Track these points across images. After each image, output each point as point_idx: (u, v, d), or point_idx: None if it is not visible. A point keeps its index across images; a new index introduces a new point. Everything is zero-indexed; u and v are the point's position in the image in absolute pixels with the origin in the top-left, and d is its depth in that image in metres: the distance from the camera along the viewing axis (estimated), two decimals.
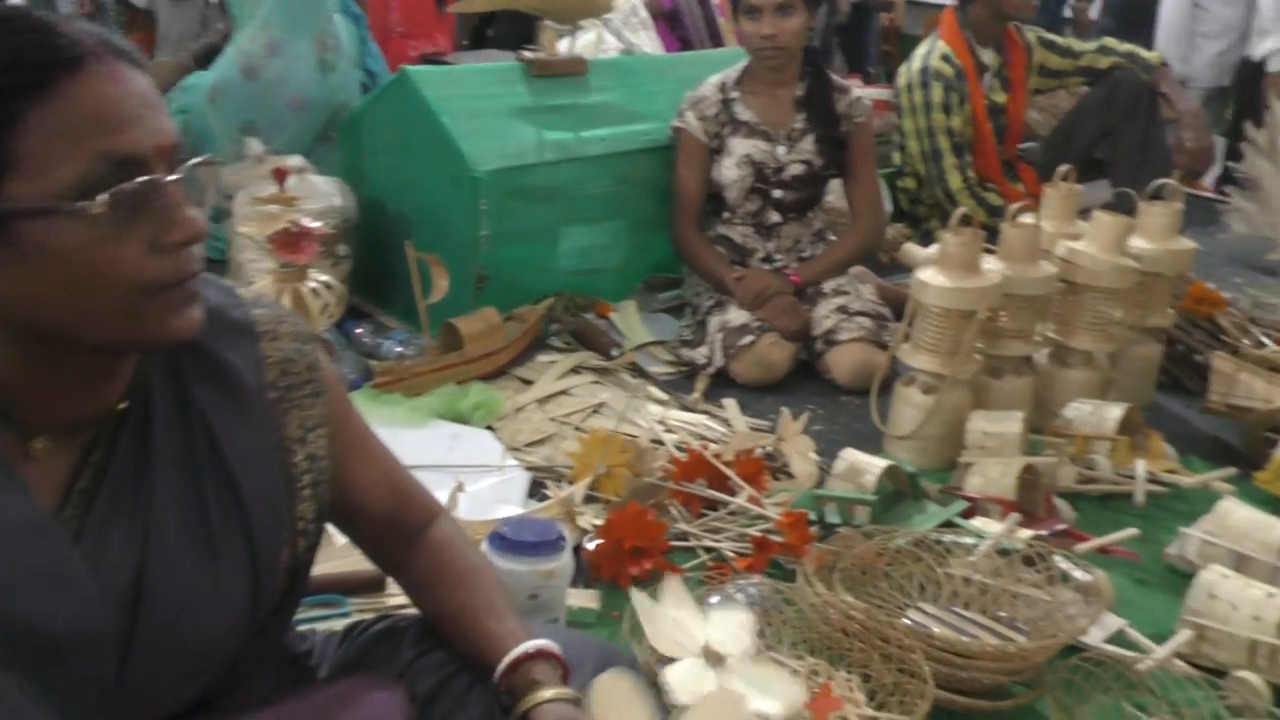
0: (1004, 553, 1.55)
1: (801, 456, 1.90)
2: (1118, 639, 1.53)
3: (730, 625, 1.10)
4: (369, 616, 1.15)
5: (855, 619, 1.34)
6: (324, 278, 2.01)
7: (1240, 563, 1.67)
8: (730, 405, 2.21)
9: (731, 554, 1.68)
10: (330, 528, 1.05)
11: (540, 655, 0.97)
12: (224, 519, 0.90)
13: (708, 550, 1.70)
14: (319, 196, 2.17)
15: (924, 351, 2.01)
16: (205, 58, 2.72)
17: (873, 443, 2.12)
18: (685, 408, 2.15)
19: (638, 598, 1.03)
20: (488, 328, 2.13)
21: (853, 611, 1.34)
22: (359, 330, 2.29)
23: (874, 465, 1.75)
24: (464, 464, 1.88)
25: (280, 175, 1.92)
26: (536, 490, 1.87)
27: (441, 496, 1.70)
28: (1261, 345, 2.44)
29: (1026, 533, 1.60)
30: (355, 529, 1.09)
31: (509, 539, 1.40)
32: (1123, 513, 1.89)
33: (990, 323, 2.05)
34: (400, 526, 1.08)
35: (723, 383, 2.33)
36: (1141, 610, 1.64)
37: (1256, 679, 1.41)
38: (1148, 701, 1.39)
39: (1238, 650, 1.46)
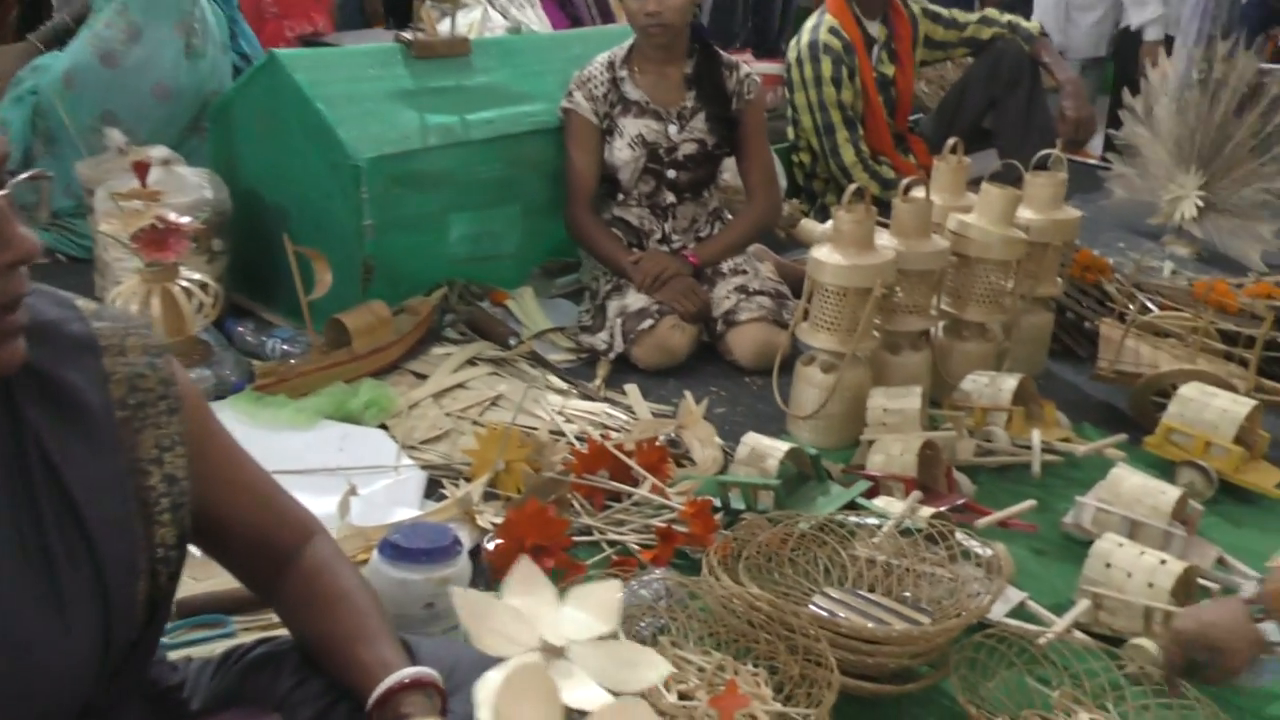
0: (907, 532, 1.55)
1: (704, 442, 1.88)
2: (1020, 612, 1.55)
3: (591, 605, 0.92)
4: (251, 639, 1.08)
5: (760, 610, 1.31)
6: (197, 276, 1.90)
7: (1134, 529, 1.70)
8: (632, 391, 2.17)
9: (636, 547, 1.64)
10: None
11: (415, 685, 0.91)
12: (68, 552, 0.83)
13: (612, 544, 1.66)
14: (188, 189, 2.04)
15: (822, 330, 2.00)
16: (55, 40, 2.54)
17: (777, 423, 2.11)
18: (586, 396, 2.11)
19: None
20: (377, 321, 2.04)
21: (757, 602, 1.32)
22: (241, 329, 2.18)
23: (776, 449, 1.73)
24: (356, 466, 1.80)
25: (141, 169, 1.80)
26: (434, 490, 1.80)
27: (333, 501, 1.64)
28: (1146, 310, 2.50)
29: (928, 510, 1.60)
30: (222, 552, 1.02)
31: (401, 547, 1.34)
32: (1021, 483, 1.91)
33: (886, 299, 2.05)
34: (271, 548, 1.01)
35: (624, 368, 2.29)
36: (1042, 581, 1.66)
37: (1152, 645, 1.44)
38: (1050, 674, 1.40)
39: (1134, 618, 1.48)
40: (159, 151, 2.06)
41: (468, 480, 1.77)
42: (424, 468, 1.84)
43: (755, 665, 1.30)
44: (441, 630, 1.37)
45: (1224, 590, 1.59)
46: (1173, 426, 1.96)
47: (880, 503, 1.66)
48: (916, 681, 1.36)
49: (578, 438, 1.91)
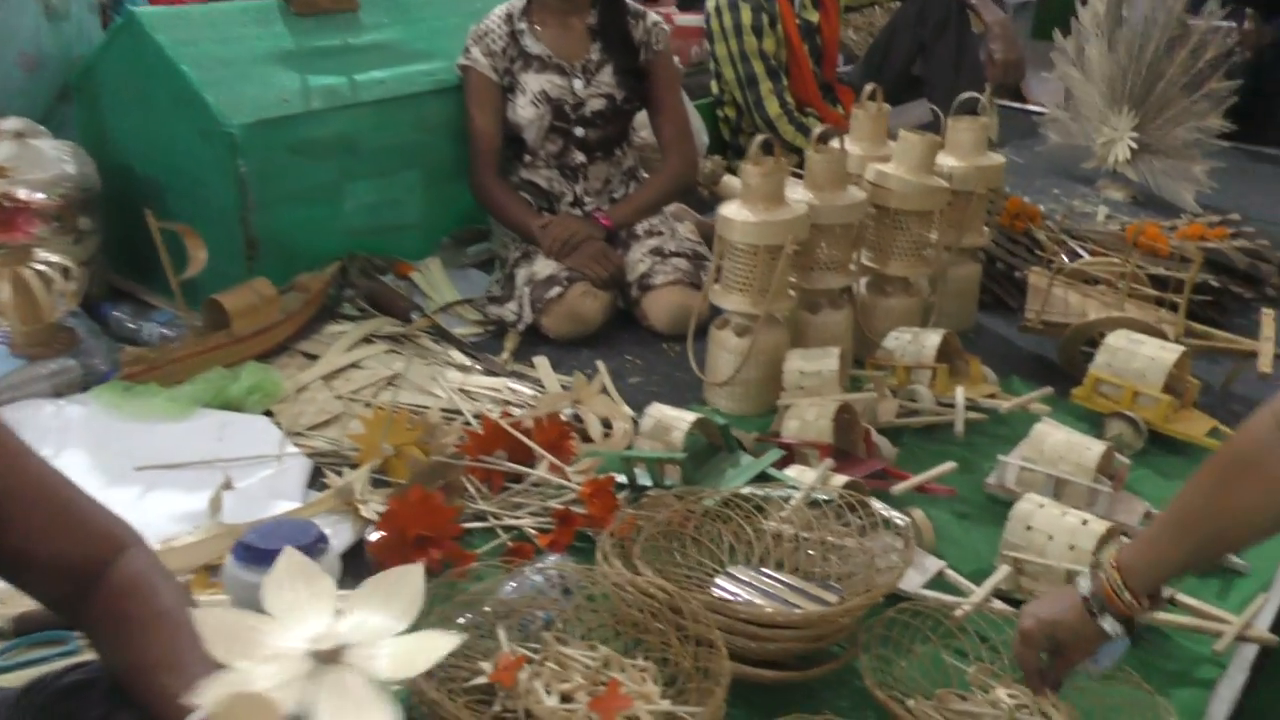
0: (819, 503, 1.45)
1: (606, 416, 1.76)
2: (939, 582, 1.46)
3: (383, 599, 0.80)
4: (62, 665, 0.96)
5: (652, 596, 1.21)
6: (56, 258, 1.76)
7: (1059, 487, 1.62)
8: (541, 364, 2.06)
9: (533, 531, 1.54)
10: None
11: None
12: None
13: (509, 530, 1.56)
14: (45, 164, 1.88)
15: (734, 291, 1.89)
16: None
17: (694, 391, 2.01)
18: (490, 371, 1.99)
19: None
20: (259, 300, 1.90)
21: (649, 588, 1.22)
22: (117, 314, 2.03)
23: (682, 420, 1.63)
24: (233, 457, 1.67)
25: None
26: (321, 480, 1.68)
27: (207, 497, 1.51)
28: (1076, 257, 2.42)
29: (841, 479, 1.50)
30: (19, 578, 0.90)
31: (255, 548, 1.22)
32: (946, 444, 1.83)
33: (803, 256, 1.94)
34: (73, 569, 0.89)
35: (535, 340, 2.17)
36: (964, 547, 1.58)
37: None
38: (970, 646, 1.32)
39: (1056, 582, 1.40)
40: (11, 123, 1.90)
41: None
42: (311, 456, 1.72)
43: (648, 657, 1.20)
44: None
45: None
46: (1100, 377, 1.88)
47: (793, 472, 1.57)
48: (826, 664, 1.27)
49: (476, 417, 1.80)
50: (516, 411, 1.81)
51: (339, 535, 1.51)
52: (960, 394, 1.84)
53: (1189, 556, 1.07)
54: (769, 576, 1.36)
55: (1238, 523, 1.01)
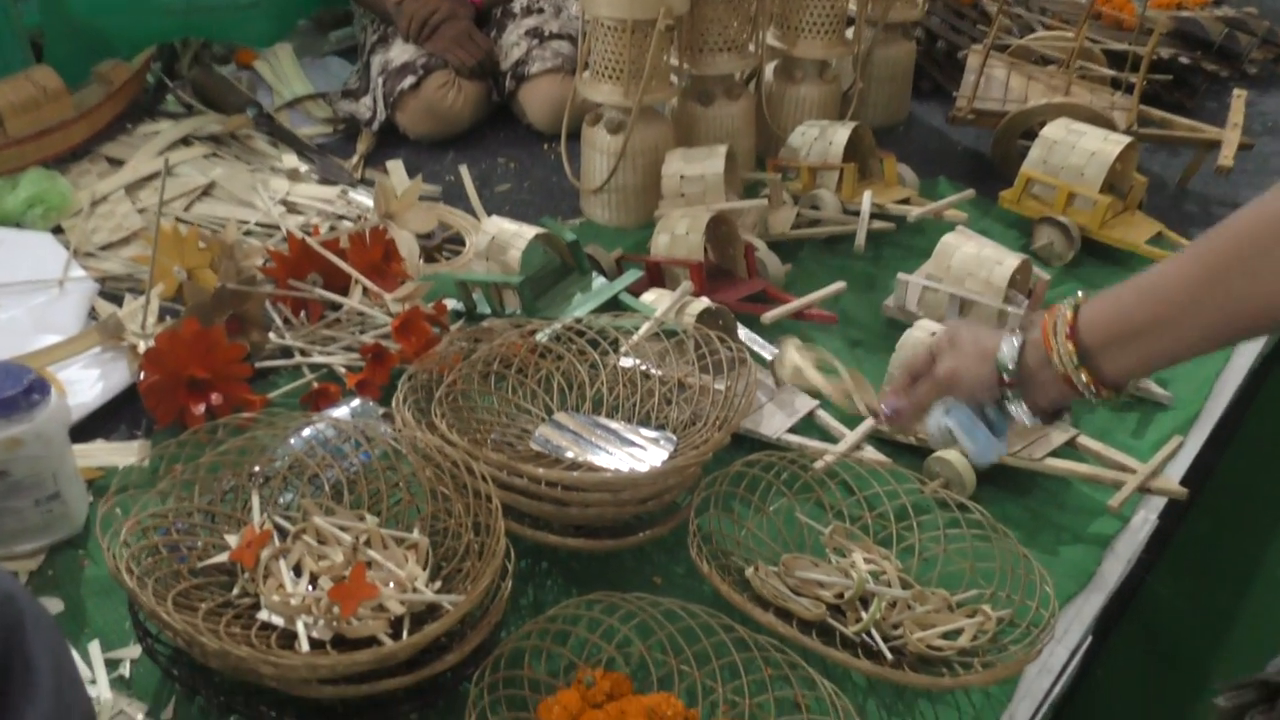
0: (673, 334, 1.23)
1: (456, 229, 1.50)
2: (808, 425, 1.25)
3: None
4: None
5: (437, 452, 1.00)
6: None
7: (964, 309, 1.39)
8: (395, 169, 1.78)
9: (343, 370, 1.31)
10: None
11: None
12: None
13: (317, 369, 1.33)
14: None
15: (605, 80, 1.60)
16: None
17: (572, 200, 1.75)
18: (326, 180, 1.71)
19: None
20: (41, 95, 1.60)
21: (433, 444, 1.00)
22: None
23: (520, 236, 1.38)
24: (3, 282, 1.43)
25: None
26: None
27: None
28: (1029, 31, 2.10)
29: (700, 304, 1.27)
30: None
31: None
32: (849, 259, 1.58)
33: (688, 34, 1.64)
34: None
35: (394, 141, 1.89)
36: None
37: (959, 458, 1.16)
38: (832, 502, 1.12)
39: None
40: None
41: None
42: (102, 280, 1.47)
43: (435, 529, 1.00)
44: (33, 503, 1.05)
45: None
46: (1032, 176, 1.62)
47: (650, 297, 1.33)
48: (643, 533, 1.07)
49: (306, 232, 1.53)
50: (345, 226, 1.55)
51: (112, 376, 1.29)
52: (866, 199, 1.58)
53: (1176, 347, 0.74)
54: (599, 426, 1.14)
55: (1261, 306, 0.70)
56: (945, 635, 0.98)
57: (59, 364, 1.29)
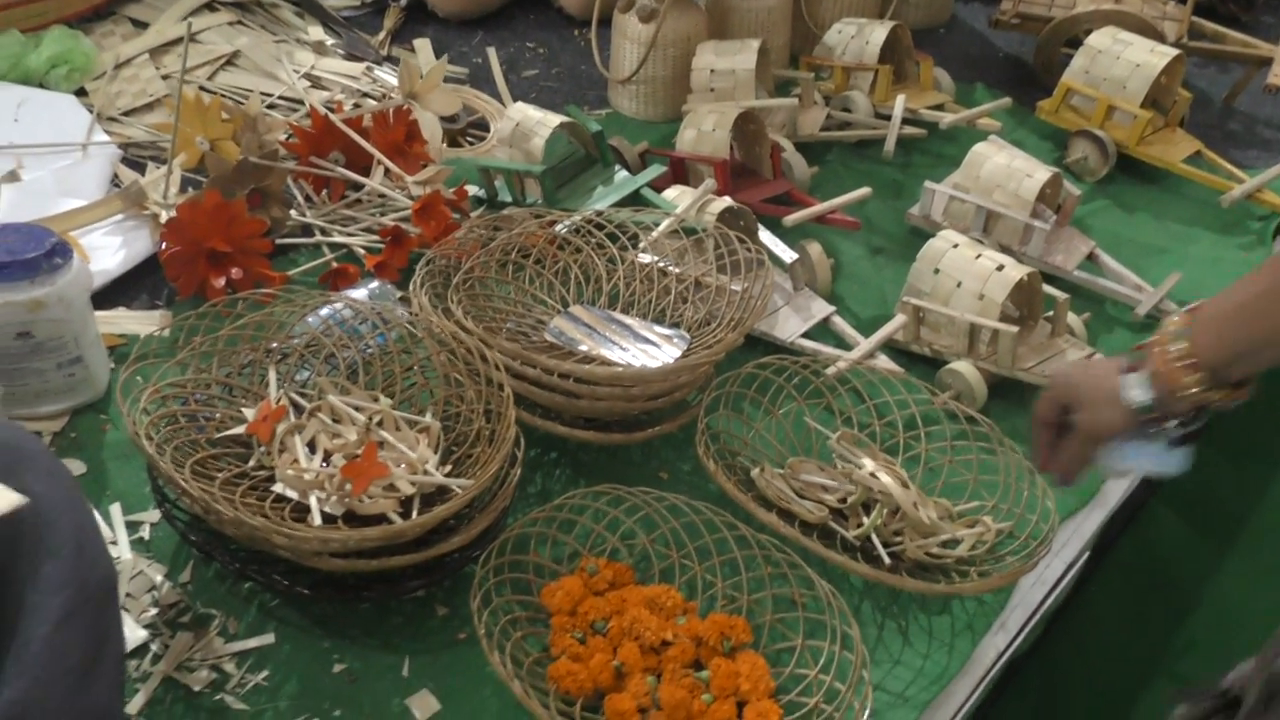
0: (692, 232, 1.22)
1: (480, 114, 1.47)
2: (821, 331, 1.25)
3: None
4: None
5: (451, 338, 1.00)
6: None
7: (990, 221, 1.37)
8: (422, 47, 1.74)
9: (362, 251, 1.31)
10: None
11: None
12: None
13: (337, 249, 1.33)
14: None
15: None
16: None
17: (599, 89, 1.72)
18: (351, 55, 1.68)
19: None
20: None
21: (448, 330, 1.01)
22: None
23: (544, 124, 1.35)
24: (28, 143, 1.42)
25: None
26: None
27: None
28: None
29: (721, 204, 1.26)
30: None
31: None
32: (877, 164, 1.56)
33: None
34: None
35: (422, 18, 1.84)
36: (872, 290, 1.36)
37: (971, 371, 1.16)
38: (841, 408, 1.13)
39: (958, 336, 1.19)
40: None
41: None
42: (125, 146, 1.47)
43: (448, 413, 1.01)
44: (55, 366, 1.07)
45: (1077, 305, 1.28)
46: (1072, 86, 1.57)
47: (672, 194, 1.31)
48: (666, 424, 1.08)
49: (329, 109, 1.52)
50: (369, 103, 1.53)
51: (134, 244, 1.30)
52: (899, 103, 1.55)
53: None
54: (614, 321, 1.15)
55: None
56: (945, 544, 1.00)
57: (81, 229, 1.30)
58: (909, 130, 1.54)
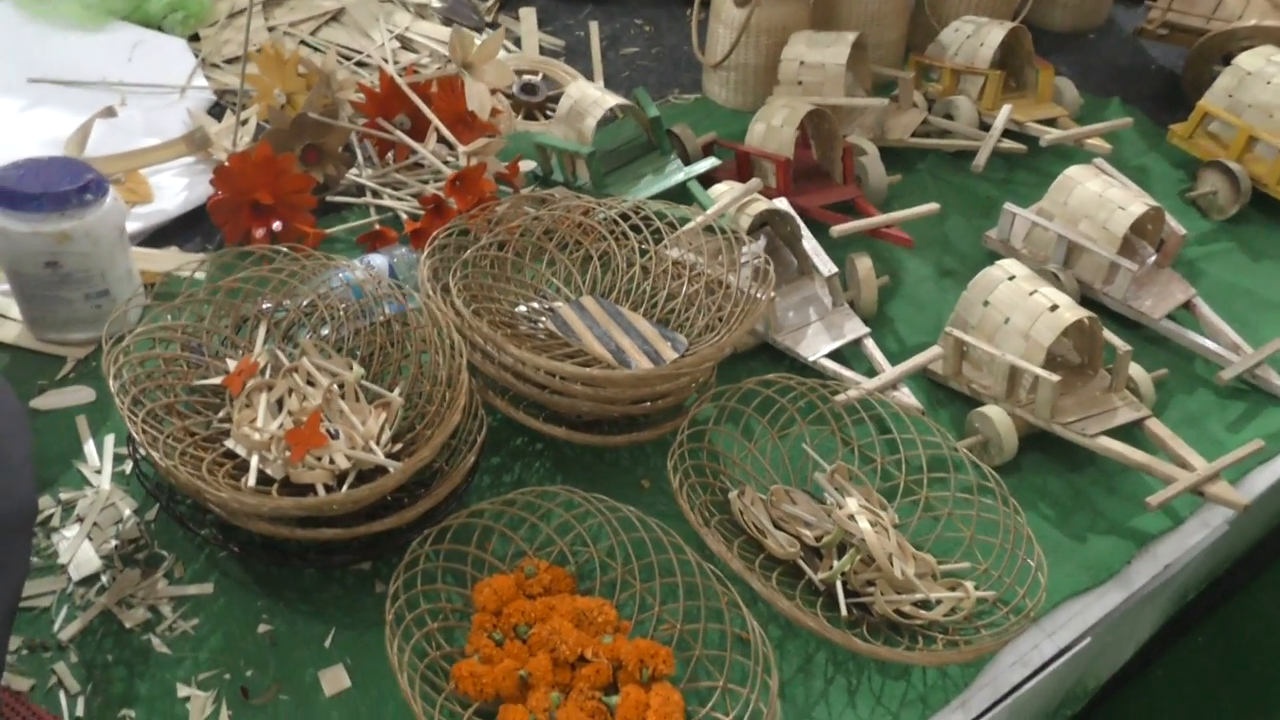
0: (724, 232, 1.15)
1: (493, 87, 1.40)
2: (854, 353, 1.16)
3: None
4: None
5: (441, 316, 0.98)
6: None
7: (1072, 254, 1.24)
8: (526, 16, 1.73)
9: (406, 216, 1.31)
10: None
11: None
12: None
13: (383, 211, 1.34)
14: None
15: None
16: None
17: (695, 74, 1.66)
18: (448, 20, 1.68)
19: None
20: None
21: (438, 309, 0.99)
22: None
23: (600, 104, 1.31)
24: (135, 82, 1.50)
25: None
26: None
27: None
28: None
29: (760, 205, 1.18)
30: None
31: (7, 190, 1.05)
32: (971, 177, 1.43)
33: None
34: None
35: None
36: (925, 314, 1.25)
37: (1003, 419, 1.05)
38: (849, 437, 1.05)
39: (998, 377, 1.08)
40: None
41: None
42: (220, 93, 1.52)
43: (417, 390, 1.00)
44: (83, 296, 1.11)
45: (1161, 359, 1.14)
46: (1211, 111, 1.40)
47: (721, 189, 1.25)
48: (648, 430, 1.03)
49: (404, 71, 1.53)
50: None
51: (196, 188, 1.34)
52: (1002, 114, 1.41)
53: None
54: (620, 318, 1.10)
55: None
56: (921, 604, 0.91)
57: (153, 169, 1.35)
58: (1007, 144, 1.41)
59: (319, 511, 0.86)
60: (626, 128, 1.37)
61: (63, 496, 0.99)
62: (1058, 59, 1.67)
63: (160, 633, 0.90)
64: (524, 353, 0.96)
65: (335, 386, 0.96)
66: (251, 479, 0.88)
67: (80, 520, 0.97)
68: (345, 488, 0.88)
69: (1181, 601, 1.19)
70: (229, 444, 0.93)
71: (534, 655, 0.86)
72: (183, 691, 0.86)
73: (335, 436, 0.93)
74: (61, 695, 0.85)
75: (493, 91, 1.37)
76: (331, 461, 0.89)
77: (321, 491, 0.87)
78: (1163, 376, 1.14)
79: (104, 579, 0.93)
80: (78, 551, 0.95)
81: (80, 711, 0.84)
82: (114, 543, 0.96)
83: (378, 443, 0.92)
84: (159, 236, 1.31)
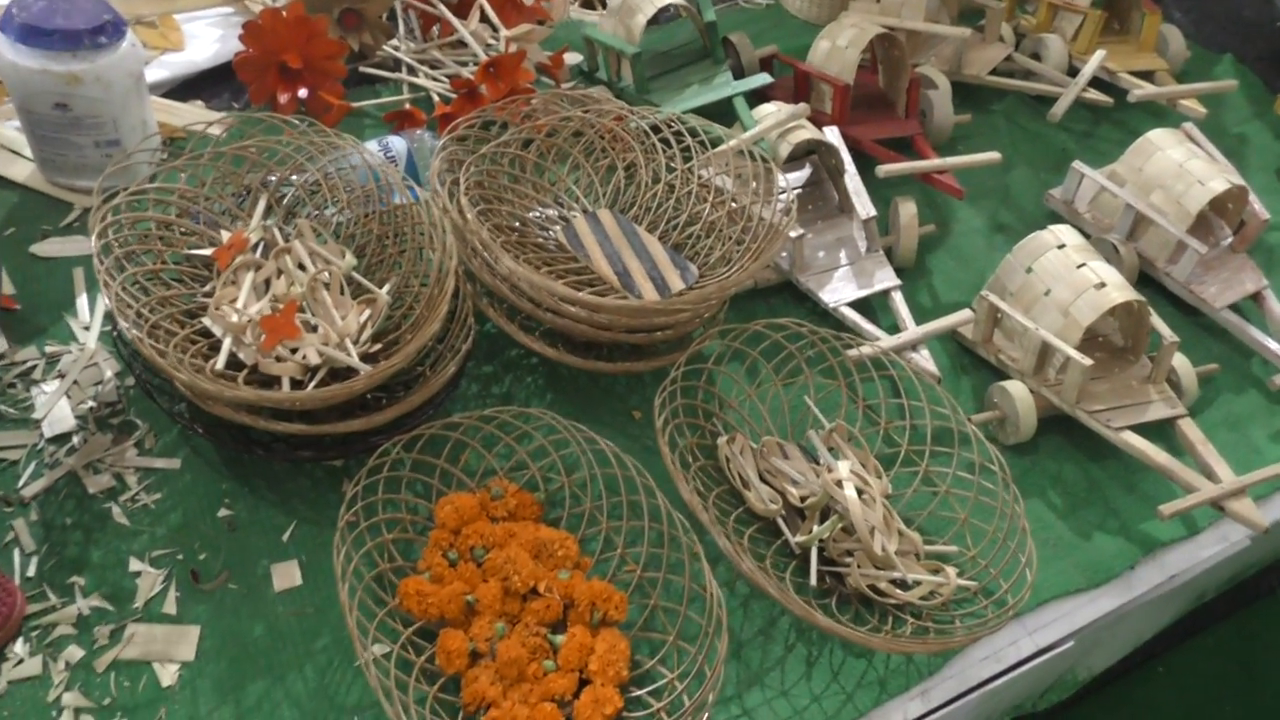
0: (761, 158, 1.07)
1: None
2: (880, 302, 1.09)
3: None
4: None
5: (445, 215, 0.94)
6: None
7: (1139, 227, 1.14)
8: None
9: (437, 98, 1.25)
10: None
11: None
12: None
13: (417, 90, 1.28)
14: None
15: None
16: None
17: None
18: None
19: None
20: None
21: (438, 208, 0.94)
22: None
23: (652, 2, 1.22)
24: None
25: None
26: None
27: None
28: None
29: (805, 134, 1.09)
30: None
31: (28, 26, 1.01)
32: (1051, 126, 1.32)
33: None
34: None
35: None
36: (970, 270, 1.17)
37: (1024, 396, 0.97)
38: (856, 395, 0.98)
39: (1028, 351, 1.00)
40: None
41: None
42: None
43: (408, 288, 0.96)
44: (93, 144, 1.08)
45: (1213, 353, 1.05)
46: None
47: (768, 109, 1.16)
48: (642, 360, 0.98)
49: None
50: None
51: (229, 41, 1.30)
52: (1093, 61, 1.29)
53: None
54: (634, 238, 1.04)
55: None
56: (899, 583, 0.86)
57: (188, 16, 1.30)
58: (1093, 94, 1.29)
59: (278, 405, 0.83)
60: (681, 30, 1.28)
61: (48, 349, 0.98)
62: (1172, 2, 1.53)
63: (123, 503, 0.89)
64: (519, 266, 0.90)
65: (323, 275, 0.92)
66: (221, 362, 0.85)
67: (61, 376, 0.96)
68: (312, 385, 0.85)
69: (1198, 602, 1.12)
70: (206, 321, 0.90)
71: (486, 581, 0.83)
72: (135, 565, 0.85)
73: (315, 330, 0.89)
74: (16, 553, 0.85)
75: None
76: (304, 356, 0.86)
77: (287, 386, 0.84)
78: (1213, 371, 1.05)
79: (75, 440, 0.92)
80: (54, 408, 0.94)
81: (31, 571, 0.84)
82: (91, 404, 0.95)
83: (356, 341, 0.88)
84: (186, 89, 1.27)
